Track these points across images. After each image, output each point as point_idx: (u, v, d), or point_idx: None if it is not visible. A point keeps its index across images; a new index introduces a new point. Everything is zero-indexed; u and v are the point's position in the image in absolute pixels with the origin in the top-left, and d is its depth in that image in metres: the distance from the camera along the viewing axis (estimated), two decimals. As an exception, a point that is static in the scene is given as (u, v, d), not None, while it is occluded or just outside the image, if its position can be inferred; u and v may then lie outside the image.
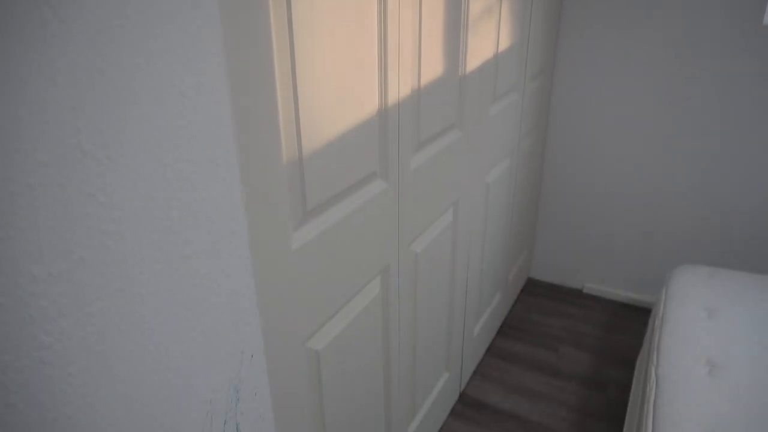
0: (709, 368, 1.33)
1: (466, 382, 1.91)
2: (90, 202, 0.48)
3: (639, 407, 1.37)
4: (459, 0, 1.21)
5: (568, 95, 2.20)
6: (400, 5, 0.97)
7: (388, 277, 1.14)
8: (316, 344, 0.94)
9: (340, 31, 0.83)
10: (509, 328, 2.22)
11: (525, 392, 1.88)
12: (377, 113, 0.98)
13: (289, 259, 0.81)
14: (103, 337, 0.52)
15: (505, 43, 1.57)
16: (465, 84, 1.34)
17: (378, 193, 1.03)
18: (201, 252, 0.61)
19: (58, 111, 0.45)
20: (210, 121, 0.60)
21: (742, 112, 1.92)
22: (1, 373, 0.44)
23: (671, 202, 2.15)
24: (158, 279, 0.56)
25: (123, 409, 0.56)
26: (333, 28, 0.81)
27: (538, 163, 2.27)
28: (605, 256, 2.37)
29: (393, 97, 1.01)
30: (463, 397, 1.86)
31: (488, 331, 2.05)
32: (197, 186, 0.59)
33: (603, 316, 2.29)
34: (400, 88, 1.03)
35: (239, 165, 0.66)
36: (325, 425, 1.02)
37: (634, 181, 2.19)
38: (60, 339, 0.48)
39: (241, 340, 0.70)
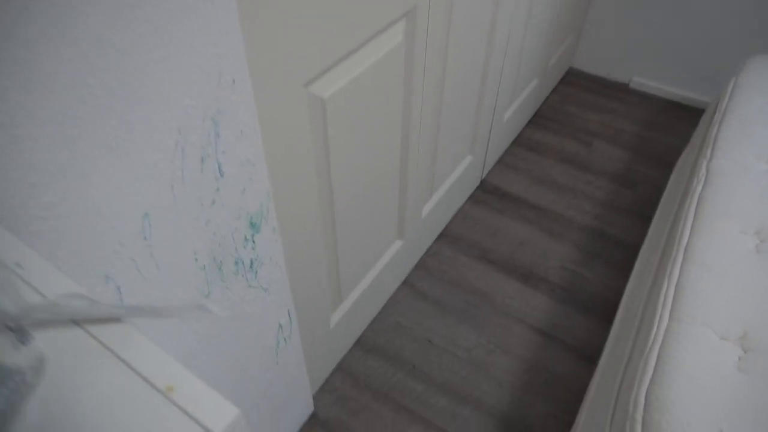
0: (772, 164, 1.16)
1: (490, 168, 1.80)
2: None
3: (679, 201, 1.25)
4: None
5: None
6: None
7: (414, 23, 0.93)
8: (322, 91, 0.77)
9: None
10: (542, 118, 2.04)
11: (549, 184, 1.78)
12: None
13: (282, -40, 0.60)
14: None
15: None
16: None
17: None
18: None
19: None
20: None
21: None
22: None
23: (764, -22, 1.77)
24: None
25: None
26: None
27: None
28: (660, 48, 2.06)
29: None
30: (484, 184, 1.77)
31: (519, 119, 1.87)
32: None
33: (647, 114, 2.08)
34: None
35: None
36: (331, 188, 0.91)
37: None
38: None
39: (215, 55, 0.53)
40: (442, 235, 1.60)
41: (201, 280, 0.65)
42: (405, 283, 1.48)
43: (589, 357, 1.32)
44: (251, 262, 0.74)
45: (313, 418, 1.21)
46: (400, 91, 0.98)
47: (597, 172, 1.83)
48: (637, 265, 1.30)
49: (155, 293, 0.59)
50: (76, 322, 0.31)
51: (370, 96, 0.89)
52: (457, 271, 1.51)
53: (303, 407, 1.15)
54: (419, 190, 1.29)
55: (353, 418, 1.21)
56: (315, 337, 1.11)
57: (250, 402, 0.91)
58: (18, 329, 0.30)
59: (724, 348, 0.86)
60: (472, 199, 1.71)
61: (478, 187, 1.75)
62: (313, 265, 0.97)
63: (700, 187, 1.15)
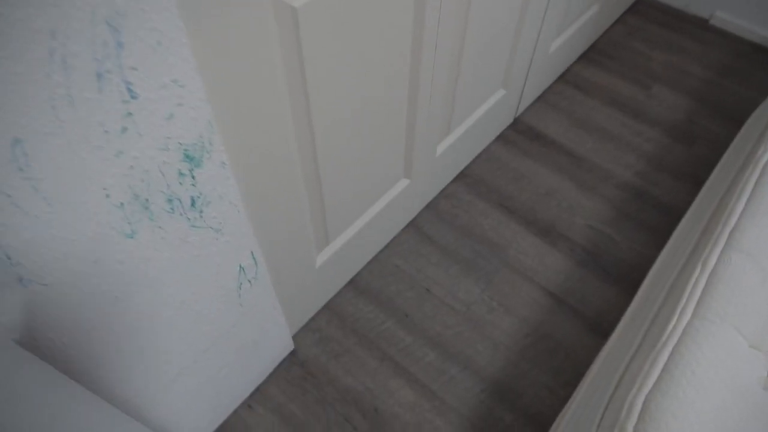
0: None
1: (526, 106, 1.60)
2: None
3: (738, 169, 1.06)
4: None
5: None
6: None
7: None
8: (293, -3, 0.62)
9: None
10: (597, 53, 1.79)
11: (593, 129, 1.57)
12: None
13: None
14: None
15: None
16: None
17: None
18: None
19: None
20: None
21: None
22: None
23: None
24: None
25: None
26: None
27: None
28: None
29: None
30: (516, 123, 1.58)
31: (568, 52, 1.64)
32: None
33: (724, 57, 1.79)
34: None
35: None
36: (310, 118, 0.78)
37: None
38: None
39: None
40: (462, 176, 1.45)
41: (119, 219, 0.55)
42: (412, 224, 1.36)
43: (601, 331, 1.20)
44: (192, 201, 0.63)
45: (293, 355, 1.15)
46: (408, 2, 0.81)
47: (651, 121, 1.60)
48: (673, 239, 1.14)
49: (52, 232, 0.50)
50: None
51: (365, 7, 0.73)
52: (471, 216, 1.38)
53: (279, 346, 1.09)
54: (432, 125, 1.13)
55: (334, 361, 1.15)
56: (296, 277, 1.02)
57: (206, 341, 0.84)
58: None
59: (752, 358, 0.72)
60: (502, 138, 1.54)
61: (509, 126, 1.57)
62: (290, 204, 0.86)
63: (767, 156, 0.96)
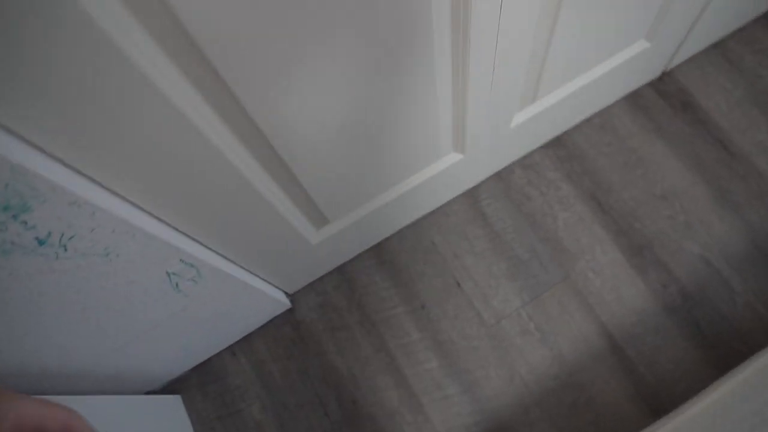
0: None
1: (688, 56, 1.13)
2: None
3: None
4: None
5: None
6: None
7: None
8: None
9: None
10: None
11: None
12: None
13: None
14: None
15: None
16: None
17: None
18: None
19: None
20: None
21: None
22: None
23: None
24: None
25: None
26: None
27: None
28: None
29: None
30: (664, 79, 1.13)
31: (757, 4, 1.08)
32: None
33: None
34: None
35: None
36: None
37: None
38: None
39: None
40: (555, 143, 1.11)
41: None
42: (470, 193, 1.10)
43: (656, 405, 0.93)
44: (39, 241, 0.48)
45: (290, 313, 1.06)
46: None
47: None
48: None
49: None
50: None
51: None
52: (546, 202, 1.08)
53: (268, 309, 1.00)
54: (503, 95, 0.81)
55: (329, 333, 1.04)
56: (284, 255, 0.87)
57: (146, 325, 0.76)
58: None
59: None
60: (633, 98, 1.12)
61: (652, 82, 1.13)
62: (235, 194, 0.67)
63: None
